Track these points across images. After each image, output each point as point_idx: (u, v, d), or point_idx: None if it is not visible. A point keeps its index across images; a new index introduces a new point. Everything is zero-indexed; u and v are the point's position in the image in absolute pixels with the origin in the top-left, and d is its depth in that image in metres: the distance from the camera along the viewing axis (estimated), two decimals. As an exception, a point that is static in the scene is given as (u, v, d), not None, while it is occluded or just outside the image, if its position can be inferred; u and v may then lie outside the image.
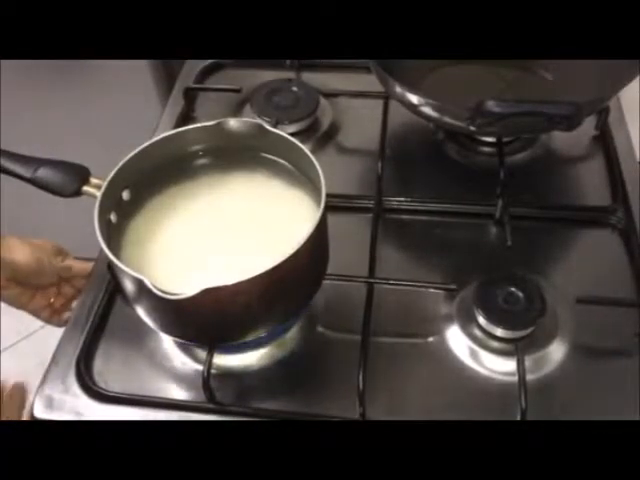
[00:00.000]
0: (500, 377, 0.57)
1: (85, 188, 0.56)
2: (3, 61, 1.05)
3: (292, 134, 0.58)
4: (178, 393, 0.57)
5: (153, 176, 0.59)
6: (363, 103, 0.81)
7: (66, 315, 0.70)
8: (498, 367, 0.57)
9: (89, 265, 0.68)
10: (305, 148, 0.55)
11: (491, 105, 0.60)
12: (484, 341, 0.59)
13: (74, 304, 0.64)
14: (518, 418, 0.52)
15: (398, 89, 0.68)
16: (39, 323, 1.40)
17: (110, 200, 0.55)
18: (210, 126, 0.58)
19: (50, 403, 0.57)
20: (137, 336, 0.61)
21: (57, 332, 0.62)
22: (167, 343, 0.60)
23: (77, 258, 0.70)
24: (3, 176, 0.58)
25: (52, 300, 0.70)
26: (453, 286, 0.61)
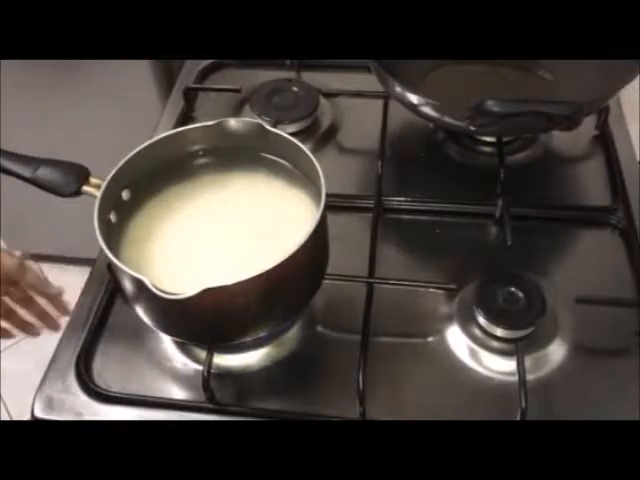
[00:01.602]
0: (500, 377, 0.57)
1: (85, 188, 0.56)
2: (3, 60, 1.05)
3: (292, 134, 0.58)
4: (178, 393, 0.57)
5: (153, 176, 0.59)
6: (363, 103, 0.81)
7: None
8: (498, 367, 0.57)
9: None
10: (305, 148, 0.55)
11: (491, 105, 0.60)
12: (484, 341, 0.59)
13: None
14: (518, 418, 0.52)
15: (398, 89, 0.68)
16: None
17: (110, 200, 0.55)
18: (210, 126, 0.58)
19: (50, 403, 0.57)
20: (137, 336, 0.60)
21: (58, 332, 0.62)
22: (167, 343, 0.60)
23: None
24: (3, 176, 0.58)
25: None
26: (453, 286, 0.60)
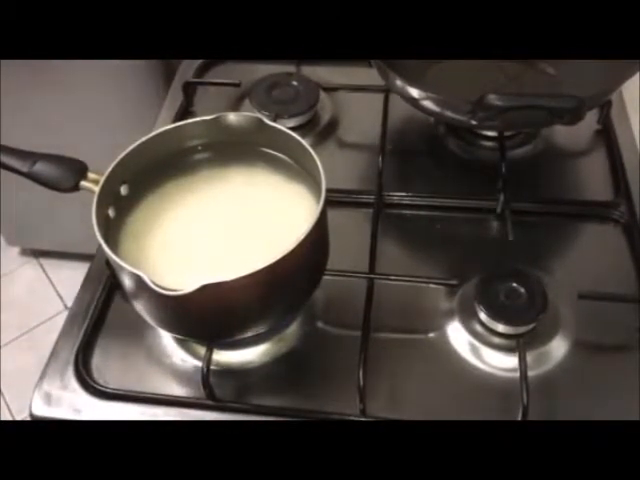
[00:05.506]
0: (501, 373, 0.57)
1: (83, 183, 0.56)
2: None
3: (292, 128, 0.58)
4: (177, 390, 0.57)
5: (151, 171, 0.58)
6: (363, 97, 0.81)
7: None
8: (499, 363, 0.57)
9: None
10: (305, 143, 0.55)
11: (492, 99, 0.59)
12: (485, 337, 0.58)
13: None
14: (519, 415, 0.52)
15: (399, 83, 0.67)
16: (39, 319, 1.40)
17: (108, 195, 0.55)
18: (209, 120, 0.58)
19: (48, 399, 0.56)
20: (136, 332, 0.60)
21: (57, 328, 0.62)
22: (166, 339, 0.60)
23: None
24: (2, 172, 0.57)
25: None
26: (454, 281, 0.60)
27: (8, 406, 1.38)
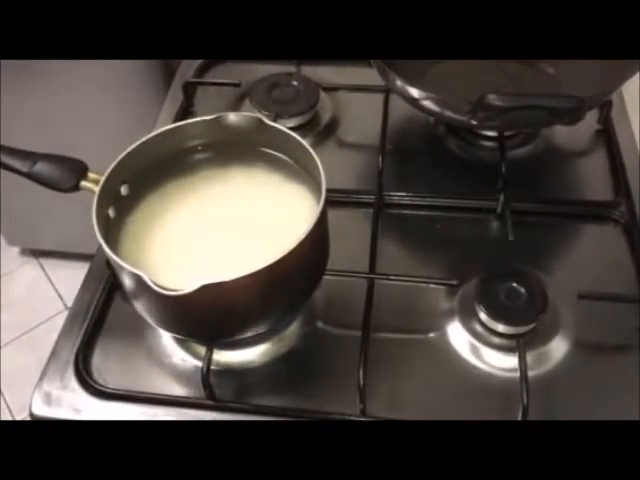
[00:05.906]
0: (501, 373, 0.57)
1: (83, 183, 0.56)
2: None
3: (292, 128, 0.58)
4: (177, 389, 0.57)
5: (152, 171, 0.58)
6: (364, 97, 0.81)
7: None
8: (499, 363, 0.57)
9: None
10: (305, 143, 0.55)
11: (492, 99, 0.59)
12: (485, 337, 0.58)
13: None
14: (520, 415, 0.52)
15: (399, 83, 0.67)
16: (39, 319, 1.40)
17: (108, 195, 0.55)
18: (209, 120, 0.58)
19: (48, 399, 0.56)
20: (136, 332, 0.60)
21: (57, 328, 0.62)
22: (166, 339, 0.60)
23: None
24: (2, 171, 0.57)
25: None
26: (454, 281, 0.60)
27: (8, 406, 1.38)
